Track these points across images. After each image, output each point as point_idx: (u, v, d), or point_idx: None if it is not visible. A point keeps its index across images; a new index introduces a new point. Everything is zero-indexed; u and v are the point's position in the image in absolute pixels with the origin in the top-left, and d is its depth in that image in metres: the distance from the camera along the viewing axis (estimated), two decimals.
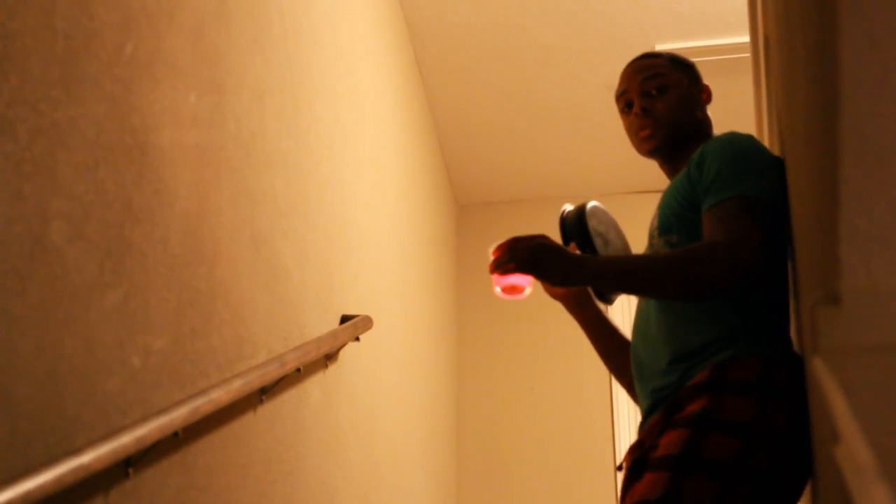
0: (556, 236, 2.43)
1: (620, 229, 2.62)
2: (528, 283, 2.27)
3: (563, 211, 2.55)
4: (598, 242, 2.44)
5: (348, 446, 3.44)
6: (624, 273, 2.15)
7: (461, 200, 6.57)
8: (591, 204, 2.54)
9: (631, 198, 5.90)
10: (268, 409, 2.63)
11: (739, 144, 2.24)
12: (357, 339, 3.42)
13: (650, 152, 2.48)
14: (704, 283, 2.06)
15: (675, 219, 2.27)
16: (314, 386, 3.05)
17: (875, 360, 1.18)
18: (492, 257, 2.17)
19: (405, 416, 4.56)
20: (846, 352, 1.19)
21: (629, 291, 2.29)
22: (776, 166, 2.22)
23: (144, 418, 1.88)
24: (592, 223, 2.48)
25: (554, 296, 2.54)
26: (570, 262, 2.11)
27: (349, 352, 3.42)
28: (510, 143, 6.02)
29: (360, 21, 4.00)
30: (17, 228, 1.58)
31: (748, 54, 3.31)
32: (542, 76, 5.45)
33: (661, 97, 2.46)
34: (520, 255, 2.11)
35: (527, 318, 6.07)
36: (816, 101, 1.46)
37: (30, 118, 1.62)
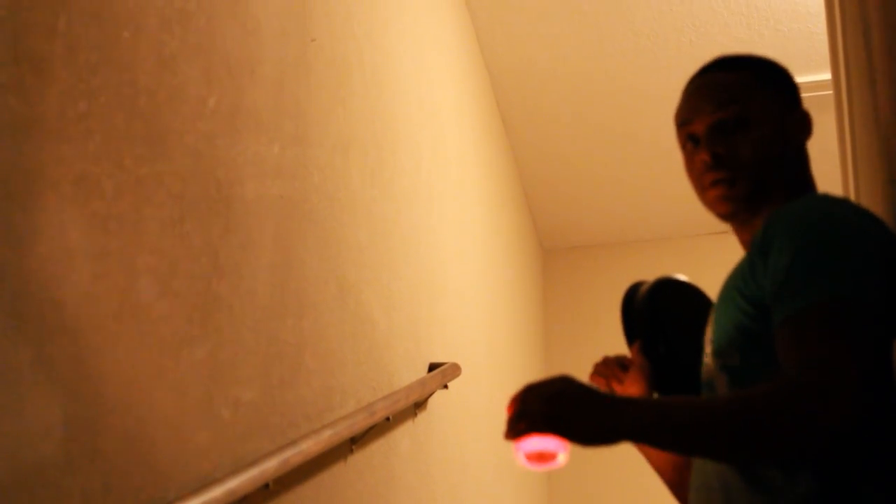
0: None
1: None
2: (560, 448, 1.49)
3: (631, 290, 1.82)
4: (671, 336, 1.71)
5: (438, 495, 3.41)
6: (664, 429, 1.42)
7: (546, 245, 6.54)
8: (667, 277, 1.81)
9: (725, 239, 5.82)
10: (358, 458, 2.62)
11: (825, 215, 1.51)
12: (445, 386, 3.40)
13: (725, 217, 1.76)
14: (775, 447, 1.36)
15: (735, 332, 1.56)
16: (404, 435, 3.04)
17: None
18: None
19: (495, 463, 4.52)
20: None
21: (677, 451, 1.67)
22: (888, 246, 1.48)
23: (235, 470, 1.88)
24: (665, 306, 1.75)
25: None
26: (599, 413, 1.43)
27: (438, 400, 3.41)
28: (594, 187, 5.99)
29: (441, 70, 4.02)
30: (105, 285, 1.59)
31: (831, 91, 3.23)
32: (624, 117, 5.42)
33: (742, 135, 1.68)
34: (533, 410, 1.49)
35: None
36: None
37: (115, 175, 1.64)
